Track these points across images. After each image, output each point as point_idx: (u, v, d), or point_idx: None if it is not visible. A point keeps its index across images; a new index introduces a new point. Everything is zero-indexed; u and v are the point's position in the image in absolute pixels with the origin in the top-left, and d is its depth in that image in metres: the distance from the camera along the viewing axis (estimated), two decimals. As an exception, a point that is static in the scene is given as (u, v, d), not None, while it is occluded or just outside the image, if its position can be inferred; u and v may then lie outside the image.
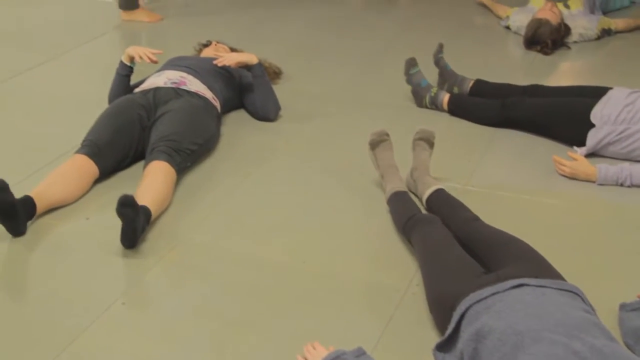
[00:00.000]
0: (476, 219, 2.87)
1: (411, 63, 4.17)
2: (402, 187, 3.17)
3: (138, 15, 5.48)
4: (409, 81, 4.19)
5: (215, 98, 3.83)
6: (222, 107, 3.90)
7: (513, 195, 3.38)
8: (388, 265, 2.90)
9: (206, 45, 4.41)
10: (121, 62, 3.86)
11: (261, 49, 4.52)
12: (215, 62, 3.95)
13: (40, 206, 3.06)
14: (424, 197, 3.15)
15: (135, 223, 2.86)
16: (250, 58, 3.98)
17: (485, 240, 2.70)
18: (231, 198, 3.33)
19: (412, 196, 3.19)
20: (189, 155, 3.42)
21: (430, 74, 4.23)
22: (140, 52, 3.81)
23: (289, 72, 4.54)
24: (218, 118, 3.82)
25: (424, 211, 3.08)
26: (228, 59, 3.93)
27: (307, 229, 3.12)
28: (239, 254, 2.95)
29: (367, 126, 3.52)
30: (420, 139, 3.34)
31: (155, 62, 3.85)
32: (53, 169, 3.28)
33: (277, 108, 4.03)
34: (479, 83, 4.20)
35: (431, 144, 3.35)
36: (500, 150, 3.79)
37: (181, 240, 3.02)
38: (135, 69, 3.89)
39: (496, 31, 5.46)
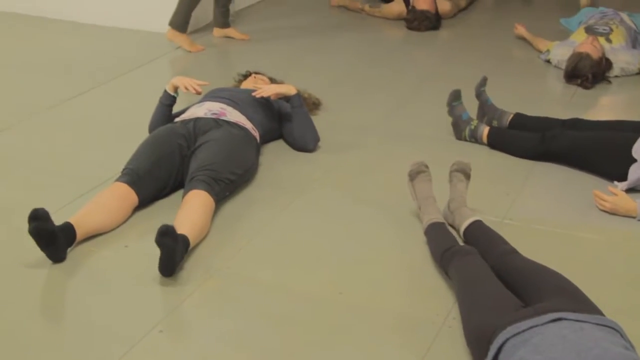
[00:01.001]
0: (514, 251, 2.86)
1: (455, 95, 4.16)
2: (440, 219, 3.16)
3: (182, 41, 5.50)
4: (450, 112, 4.18)
5: (255, 129, 3.85)
6: (261, 138, 3.92)
7: (551, 229, 3.35)
8: (425, 297, 2.89)
9: (246, 77, 4.44)
10: (165, 91, 3.91)
11: (301, 79, 4.54)
12: (254, 93, 3.97)
13: (79, 233, 3.09)
14: (462, 229, 3.14)
15: (173, 253, 2.88)
16: (289, 89, 4.00)
17: (523, 273, 2.68)
18: (268, 228, 3.34)
19: (450, 228, 3.18)
20: (227, 184, 3.44)
21: (469, 107, 4.22)
22: (186, 82, 3.85)
23: (328, 103, 4.56)
24: (257, 149, 3.84)
25: (461, 243, 3.06)
26: (266, 91, 3.95)
27: (343, 260, 3.12)
28: (276, 285, 2.96)
29: (405, 158, 3.52)
30: (457, 170, 3.34)
31: (200, 94, 3.90)
32: (94, 196, 3.31)
33: (316, 139, 4.04)
34: (518, 117, 4.18)
35: (467, 176, 3.34)
36: (539, 184, 3.77)
37: (218, 269, 3.04)
38: (178, 98, 3.94)
39: (536, 65, 5.45)
